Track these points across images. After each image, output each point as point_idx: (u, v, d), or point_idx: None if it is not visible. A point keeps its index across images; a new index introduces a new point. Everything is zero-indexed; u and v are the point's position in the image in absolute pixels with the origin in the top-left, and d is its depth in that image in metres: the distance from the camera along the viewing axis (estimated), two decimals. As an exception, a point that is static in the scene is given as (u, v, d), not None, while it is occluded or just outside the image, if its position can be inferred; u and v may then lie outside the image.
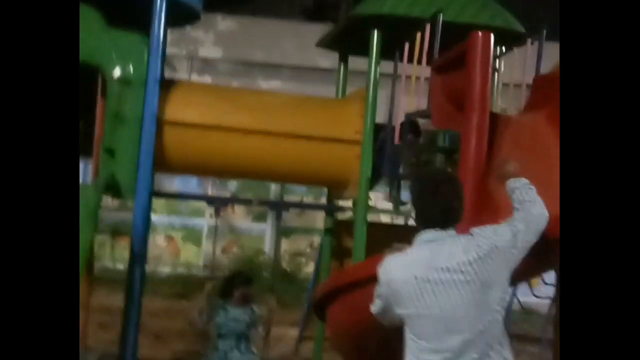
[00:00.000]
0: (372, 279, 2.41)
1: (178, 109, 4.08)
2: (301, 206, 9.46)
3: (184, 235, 10.19)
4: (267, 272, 9.36)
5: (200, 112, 4.15)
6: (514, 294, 6.53)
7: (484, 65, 2.82)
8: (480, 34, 2.84)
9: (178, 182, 9.58)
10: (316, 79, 10.32)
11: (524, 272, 2.70)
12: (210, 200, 5.02)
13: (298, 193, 10.13)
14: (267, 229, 10.27)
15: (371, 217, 8.55)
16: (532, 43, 3.77)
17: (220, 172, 4.79)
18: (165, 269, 9.49)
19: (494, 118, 3.23)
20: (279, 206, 7.73)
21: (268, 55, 12.19)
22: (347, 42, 4.74)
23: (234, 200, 8.65)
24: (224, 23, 12.40)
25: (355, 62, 4.88)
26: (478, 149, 2.80)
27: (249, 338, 4.17)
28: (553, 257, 2.70)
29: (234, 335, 4.08)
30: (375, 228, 4.43)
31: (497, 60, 4.27)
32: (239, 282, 4.23)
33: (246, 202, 7.88)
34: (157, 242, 9.59)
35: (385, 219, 6.94)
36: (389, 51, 4.06)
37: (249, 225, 10.32)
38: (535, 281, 7.84)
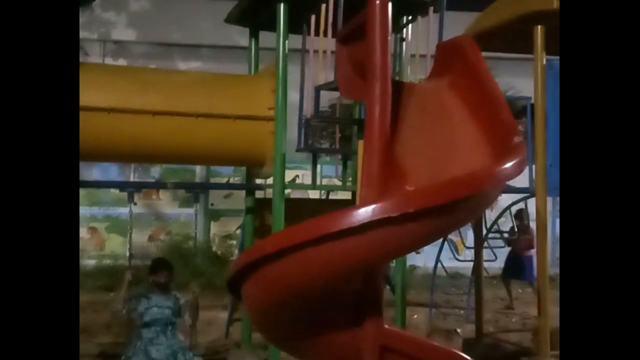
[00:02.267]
0: (283, 252, 2.39)
1: (82, 92, 3.89)
2: (218, 187, 9.34)
3: (108, 226, 9.88)
4: (198, 256, 9.23)
5: (105, 94, 3.99)
6: (438, 260, 6.74)
7: (383, 34, 2.81)
8: (377, 2, 2.83)
9: (97, 171, 9.25)
10: (236, 58, 10.13)
11: (436, 233, 2.74)
12: (123, 186, 4.86)
13: (225, 175, 9.99)
14: (194, 213, 10.07)
15: (299, 193, 8.57)
16: (434, 12, 3.81)
17: (131, 156, 4.64)
18: (90, 262, 9.18)
19: (399, 86, 3.24)
20: (196, 188, 7.58)
21: (185, 35, 11.87)
22: (257, 17, 4.65)
23: (146, 184, 8.38)
24: (137, 3, 11.96)
25: (271, 38, 4.82)
26: (382, 117, 2.79)
27: (174, 325, 4.12)
28: (464, 216, 2.74)
29: (158, 323, 4.02)
30: (297, 203, 4.41)
31: (405, 30, 4.30)
32: (159, 269, 4.15)
33: (160, 186, 7.68)
34: (80, 234, 9.27)
35: (315, 194, 6.94)
36: (297, 25, 4.01)
37: (177, 211, 10.11)
38: (461, 246, 8.12)
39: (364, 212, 2.26)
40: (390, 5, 2.90)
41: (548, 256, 4.87)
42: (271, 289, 2.65)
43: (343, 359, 2.87)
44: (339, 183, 5.11)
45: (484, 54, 6.52)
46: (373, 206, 2.30)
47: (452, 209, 2.46)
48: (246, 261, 2.65)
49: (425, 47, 3.99)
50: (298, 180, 9.34)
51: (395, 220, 2.30)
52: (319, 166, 7.38)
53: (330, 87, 3.60)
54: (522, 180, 4.19)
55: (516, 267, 7.52)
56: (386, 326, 2.77)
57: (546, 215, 4.83)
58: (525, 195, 5.99)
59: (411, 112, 3.24)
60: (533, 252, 6.75)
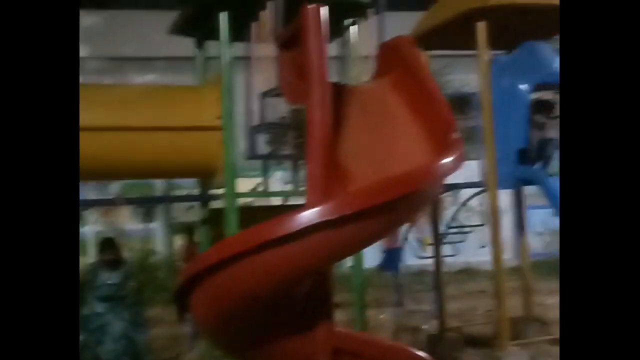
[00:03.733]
0: (226, 262, 2.38)
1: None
2: (169, 200, 9.23)
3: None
4: (161, 271, 9.11)
5: (47, 113, 3.91)
6: (401, 259, 6.78)
7: (318, 38, 2.83)
8: (311, 7, 2.84)
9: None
10: (190, 69, 10.03)
11: (378, 233, 2.76)
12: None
13: (186, 187, 9.89)
14: (156, 228, 9.98)
15: (262, 201, 8.53)
16: (376, 13, 3.84)
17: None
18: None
19: (340, 88, 3.26)
20: (146, 202, 7.47)
21: (138, 48, 11.74)
22: (201, 27, 4.63)
23: (95, 202, 8.18)
24: (88, 19, 11.79)
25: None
26: (322, 120, 2.81)
27: (124, 298, 4.47)
28: (405, 213, 2.77)
29: (107, 298, 4.39)
30: (251, 211, 4.40)
31: (348, 33, 4.33)
32: (105, 248, 4.58)
33: (108, 202, 7.58)
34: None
35: (277, 201, 6.92)
36: (241, 33, 4.01)
37: (138, 227, 9.97)
38: (427, 242, 8.16)
39: (302, 217, 2.27)
40: (326, 9, 2.93)
41: (504, 247, 4.95)
42: (217, 299, 2.63)
43: (297, 364, 2.87)
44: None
45: (443, 51, 6.64)
46: (311, 211, 2.31)
47: (391, 207, 2.48)
48: (191, 272, 2.63)
49: (371, 49, 4.03)
50: (261, 189, 9.30)
51: (334, 223, 2.32)
52: (281, 173, 7.39)
53: (276, 93, 3.61)
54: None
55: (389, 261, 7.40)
56: (338, 329, 2.79)
57: (497, 208, 4.90)
58: (481, 189, 6.07)
59: (354, 113, 3.26)
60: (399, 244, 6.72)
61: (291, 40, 3.41)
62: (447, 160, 2.72)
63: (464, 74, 10.24)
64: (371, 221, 2.48)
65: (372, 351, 2.84)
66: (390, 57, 3.49)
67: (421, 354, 3.07)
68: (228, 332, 2.80)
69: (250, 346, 2.79)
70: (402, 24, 3.49)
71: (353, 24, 4.17)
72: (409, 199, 2.60)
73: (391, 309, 6.96)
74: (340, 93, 3.26)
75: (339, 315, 4.66)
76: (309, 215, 2.31)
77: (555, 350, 5.40)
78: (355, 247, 2.88)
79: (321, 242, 2.37)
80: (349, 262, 4.67)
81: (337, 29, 4.26)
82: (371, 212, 2.43)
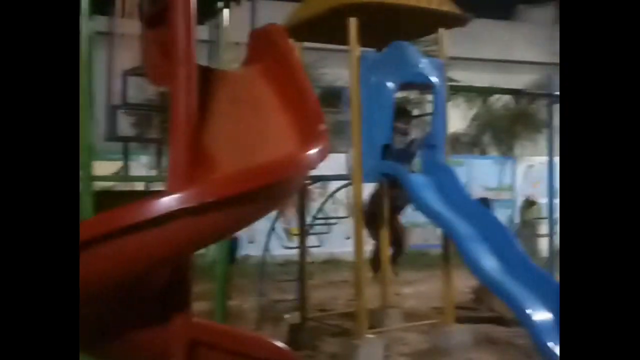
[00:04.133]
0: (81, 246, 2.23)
1: None
2: None
3: None
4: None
5: None
6: (266, 248, 6.79)
7: (186, 16, 2.71)
8: (179, -18, 2.72)
9: None
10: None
11: (241, 222, 2.72)
12: None
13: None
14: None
15: (125, 186, 8.14)
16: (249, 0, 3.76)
17: None
18: None
19: (207, 72, 3.16)
20: None
21: None
22: None
23: None
24: None
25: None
26: (187, 103, 2.70)
27: None
28: (268, 203, 2.75)
29: None
30: (111, 196, 4.16)
31: (221, 17, 4.22)
32: None
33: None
34: None
35: (140, 187, 6.63)
36: (104, 6, 3.76)
37: None
38: (294, 233, 8.22)
39: (161, 204, 2.17)
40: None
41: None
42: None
43: (154, 357, 2.76)
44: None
45: (317, 44, 6.68)
46: (170, 197, 2.21)
47: (255, 196, 2.45)
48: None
49: (242, 36, 3.94)
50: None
51: (195, 211, 2.24)
52: (146, 157, 7.07)
53: (140, 72, 3.42)
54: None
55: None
56: (195, 319, 2.72)
57: (361, 201, 5.05)
58: (347, 182, 6.22)
59: (222, 99, 3.18)
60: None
61: (157, 17, 3.25)
62: (312, 151, 2.74)
63: (337, 68, 10.47)
64: (234, 210, 2.43)
65: (230, 342, 2.80)
66: (261, 44, 3.45)
67: (279, 344, 3.07)
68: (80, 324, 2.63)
69: (104, 339, 2.63)
70: (275, 13, 3.46)
71: (225, 6, 4.06)
72: (273, 188, 2.58)
73: (255, 299, 6.94)
74: (208, 77, 3.16)
75: (201, 306, 4.57)
76: (168, 202, 2.21)
77: (409, 336, 5.70)
78: (217, 236, 2.81)
79: (181, 230, 2.28)
80: (212, 250, 4.58)
81: (208, 12, 4.14)
82: (234, 200, 2.38)
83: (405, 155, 5.30)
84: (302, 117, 3.06)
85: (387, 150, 5.12)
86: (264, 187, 2.48)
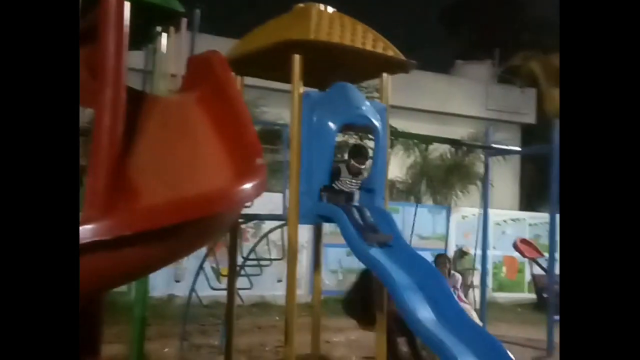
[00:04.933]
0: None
1: None
2: None
3: None
4: None
5: None
6: (193, 289, 6.45)
7: (117, 33, 2.51)
8: (112, 0, 2.52)
9: None
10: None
11: (163, 259, 2.47)
12: None
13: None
14: None
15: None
16: (187, 28, 3.59)
17: None
18: None
19: (138, 96, 2.94)
20: None
21: None
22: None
23: None
24: None
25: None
26: (113, 127, 2.47)
27: None
28: (195, 239, 2.52)
29: None
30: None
31: (158, 43, 4.01)
32: None
33: None
34: None
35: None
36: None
37: None
38: (224, 273, 7.90)
39: (70, 234, 1.92)
40: (128, 5, 2.62)
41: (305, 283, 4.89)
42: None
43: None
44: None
45: (259, 82, 6.49)
46: (84, 227, 1.97)
47: (180, 231, 2.22)
48: None
49: (179, 67, 3.75)
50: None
51: (109, 244, 2.00)
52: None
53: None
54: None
55: None
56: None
57: (296, 243, 4.85)
58: (282, 223, 6.02)
59: (153, 125, 2.95)
60: None
61: (87, 34, 3.02)
62: (247, 186, 2.55)
63: (278, 108, 10.38)
64: (156, 245, 2.19)
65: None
66: (199, 71, 3.27)
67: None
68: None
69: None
70: (216, 47, 3.29)
71: (164, 31, 3.86)
72: (201, 223, 2.37)
73: (177, 343, 6.55)
74: (138, 101, 2.95)
75: (116, 349, 4.22)
76: (81, 233, 1.97)
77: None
78: (136, 273, 2.55)
79: (94, 265, 2.03)
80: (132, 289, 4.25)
81: (145, 36, 3.92)
82: (156, 234, 2.15)
83: (350, 200, 5.12)
84: (238, 148, 2.86)
85: (334, 190, 4.95)
86: (191, 221, 2.26)
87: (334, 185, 5.00)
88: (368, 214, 4.90)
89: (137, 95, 3.01)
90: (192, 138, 2.99)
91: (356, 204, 4.97)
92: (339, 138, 11.63)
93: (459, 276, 7.19)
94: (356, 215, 4.83)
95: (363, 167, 4.92)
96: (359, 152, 5.01)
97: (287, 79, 4.95)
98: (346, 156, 5.44)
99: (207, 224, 2.42)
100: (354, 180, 5.02)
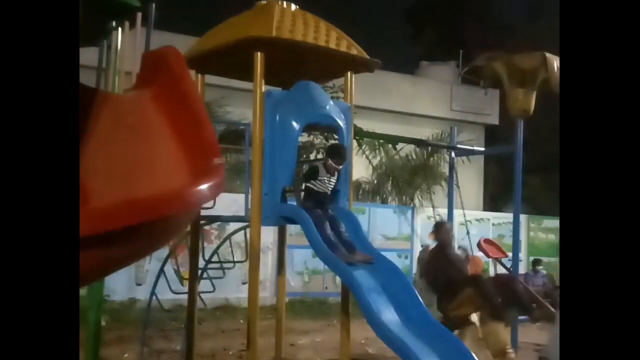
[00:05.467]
0: None
1: None
2: None
3: None
4: None
5: None
6: (153, 293, 6.28)
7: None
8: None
9: None
10: None
11: (115, 263, 2.35)
12: None
13: None
14: None
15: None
16: (142, 24, 3.46)
17: None
18: None
19: (90, 93, 2.81)
20: None
21: None
22: None
23: None
24: None
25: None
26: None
27: None
28: (149, 242, 2.41)
29: None
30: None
31: (113, 38, 3.86)
32: None
33: None
34: None
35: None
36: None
37: None
38: (186, 277, 7.73)
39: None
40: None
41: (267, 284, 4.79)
42: None
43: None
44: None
45: (218, 80, 6.33)
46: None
47: (131, 234, 2.11)
48: None
49: (134, 65, 3.59)
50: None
51: (52, 248, 1.88)
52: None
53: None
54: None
55: None
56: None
57: (259, 244, 4.74)
58: (245, 225, 5.90)
59: (104, 123, 2.82)
60: None
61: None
62: (203, 187, 2.44)
63: (242, 108, 10.23)
64: (104, 250, 2.08)
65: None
66: (154, 67, 3.14)
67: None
68: None
69: None
70: (174, 44, 3.17)
71: (118, 26, 3.71)
72: (156, 225, 2.26)
73: (137, 348, 6.37)
74: (90, 98, 2.82)
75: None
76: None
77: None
78: (85, 279, 2.42)
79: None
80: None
81: (98, 30, 3.76)
82: (104, 238, 2.03)
83: (324, 200, 4.90)
84: (195, 148, 2.76)
85: (310, 190, 4.78)
86: (146, 223, 2.15)
87: (310, 184, 4.87)
88: (342, 227, 4.74)
89: (89, 93, 2.88)
90: (147, 137, 2.87)
91: (329, 211, 4.75)
92: (304, 138, 11.57)
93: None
94: (328, 230, 4.64)
95: (341, 167, 4.75)
96: (337, 152, 4.82)
97: (249, 77, 4.84)
98: (316, 156, 5.37)
99: (161, 226, 2.31)
100: (331, 180, 4.89)
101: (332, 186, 4.95)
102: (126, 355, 6.37)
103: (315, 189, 4.82)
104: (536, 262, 11.60)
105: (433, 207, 12.18)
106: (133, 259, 2.53)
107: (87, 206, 2.40)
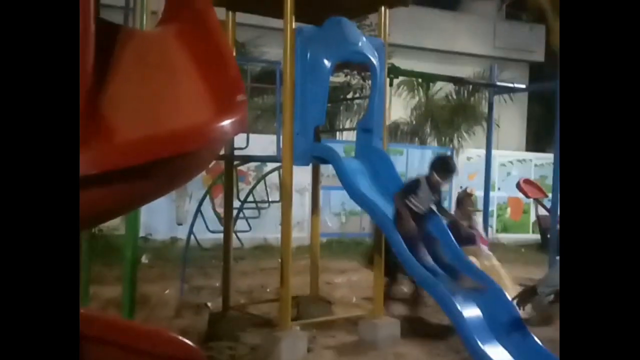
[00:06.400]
0: None
1: None
2: None
3: None
4: None
5: None
6: (191, 232, 6.42)
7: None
8: None
9: None
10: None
11: (134, 200, 2.38)
12: None
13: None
14: None
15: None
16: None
17: None
18: None
19: (112, 29, 2.77)
20: None
21: None
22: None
23: None
24: None
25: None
26: (82, 62, 2.32)
27: None
28: (169, 178, 2.42)
29: None
30: None
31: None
32: None
33: None
34: None
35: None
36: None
37: None
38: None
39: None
40: None
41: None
42: None
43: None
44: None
45: (251, 20, 6.24)
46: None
47: (150, 170, 2.12)
48: None
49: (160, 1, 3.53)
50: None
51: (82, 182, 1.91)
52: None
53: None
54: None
55: None
56: (82, 310, 2.38)
57: (291, 184, 4.75)
58: (279, 165, 5.92)
59: (128, 60, 2.80)
60: None
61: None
62: (225, 122, 2.42)
63: (277, 48, 10.11)
64: (123, 185, 2.09)
65: (122, 336, 2.46)
66: (178, 3, 3.09)
67: (182, 338, 2.75)
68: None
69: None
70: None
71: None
72: (178, 161, 2.26)
73: (177, 285, 6.57)
74: (113, 35, 2.78)
75: (118, 292, 4.20)
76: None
77: (336, 328, 5.48)
78: (110, 213, 2.45)
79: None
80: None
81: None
82: (124, 174, 2.04)
83: (422, 220, 4.32)
84: (218, 85, 2.72)
85: (409, 209, 4.25)
86: (165, 159, 2.15)
87: (408, 201, 4.32)
88: (441, 251, 4.24)
89: (112, 29, 2.84)
90: (171, 74, 2.84)
91: (428, 232, 4.22)
92: (341, 78, 11.38)
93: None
94: (425, 255, 4.11)
95: (443, 183, 4.21)
96: (445, 166, 4.32)
97: (280, 14, 4.75)
98: (353, 96, 5.09)
99: (183, 162, 2.30)
100: (432, 197, 4.34)
101: (434, 205, 4.38)
102: (167, 291, 6.58)
103: (414, 209, 4.29)
104: None
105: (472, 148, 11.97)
106: (156, 194, 2.54)
107: (111, 142, 2.42)
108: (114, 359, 2.44)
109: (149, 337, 2.59)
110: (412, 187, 4.32)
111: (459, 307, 3.81)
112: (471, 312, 3.90)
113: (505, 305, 3.92)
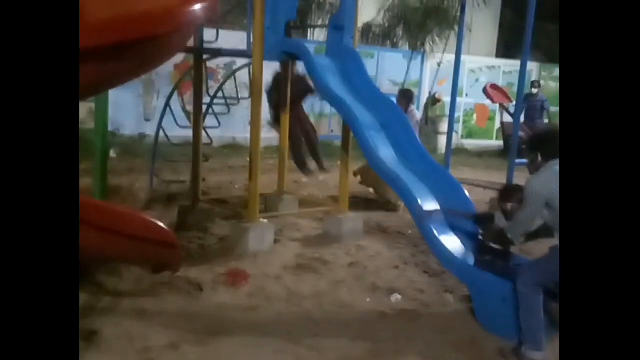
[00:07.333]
0: None
1: None
2: None
3: None
4: None
5: None
6: (160, 126, 6.41)
7: None
8: None
9: None
10: None
11: (103, 82, 2.41)
12: None
13: None
14: None
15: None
16: None
17: None
18: None
19: None
20: None
21: None
22: None
23: None
24: None
25: None
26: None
27: None
28: (140, 61, 2.44)
29: None
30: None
31: None
32: None
33: None
34: None
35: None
36: None
37: None
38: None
39: None
40: None
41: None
42: None
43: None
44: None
45: None
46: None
47: (124, 51, 2.13)
48: None
49: None
50: None
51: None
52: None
53: None
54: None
55: None
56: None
57: (262, 79, 4.76)
58: (249, 62, 5.86)
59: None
60: None
61: None
62: (196, 6, 2.42)
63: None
64: (102, 64, 2.11)
65: (99, 217, 2.56)
66: None
67: (156, 221, 2.86)
68: None
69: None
70: None
71: None
72: (149, 43, 2.27)
73: (146, 179, 6.64)
74: None
75: (86, 183, 4.25)
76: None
77: (302, 222, 5.68)
78: (87, 90, 2.48)
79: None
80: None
81: None
82: (102, 53, 2.06)
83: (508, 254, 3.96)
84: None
85: (483, 245, 3.96)
86: (136, 41, 2.16)
87: (482, 236, 3.99)
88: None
89: None
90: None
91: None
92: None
93: (416, 112, 7.14)
94: None
95: (514, 205, 3.78)
96: (513, 193, 3.90)
97: None
98: None
99: (155, 44, 2.32)
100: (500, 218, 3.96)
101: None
102: (137, 184, 6.66)
103: (488, 245, 3.89)
104: (533, 85, 11.29)
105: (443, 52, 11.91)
106: (127, 76, 2.57)
107: (83, 21, 2.40)
108: (86, 238, 2.52)
109: (126, 218, 2.70)
110: (485, 220, 4.12)
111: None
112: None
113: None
